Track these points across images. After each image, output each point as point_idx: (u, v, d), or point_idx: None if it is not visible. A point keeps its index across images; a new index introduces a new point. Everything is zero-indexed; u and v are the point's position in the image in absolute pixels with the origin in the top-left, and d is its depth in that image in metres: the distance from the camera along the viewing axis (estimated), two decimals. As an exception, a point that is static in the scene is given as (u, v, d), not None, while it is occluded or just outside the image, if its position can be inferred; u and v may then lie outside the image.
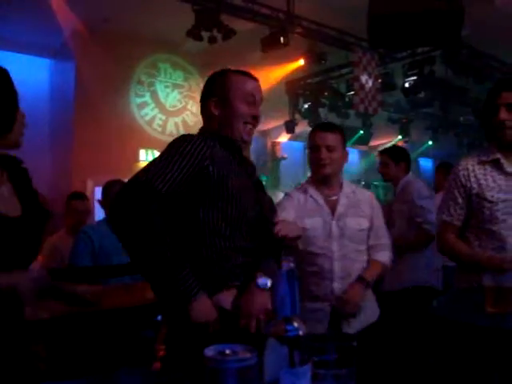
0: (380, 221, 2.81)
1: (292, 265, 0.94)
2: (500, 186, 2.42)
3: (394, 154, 4.31)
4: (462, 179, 2.51)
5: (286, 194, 2.94)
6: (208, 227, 1.89)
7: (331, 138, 2.74)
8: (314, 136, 2.80)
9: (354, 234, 2.70)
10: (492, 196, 2.40)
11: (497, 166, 2.45)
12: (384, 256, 2.73)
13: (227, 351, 0.86)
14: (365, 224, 2.73)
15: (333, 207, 2.74)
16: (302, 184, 2.95)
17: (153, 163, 1.92)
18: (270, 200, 2.20)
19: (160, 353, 3.82)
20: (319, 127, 2.88)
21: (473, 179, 2.48)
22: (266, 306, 1.81)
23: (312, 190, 2.81)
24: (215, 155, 1.91)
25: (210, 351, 0.86)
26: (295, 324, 0.95)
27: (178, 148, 1.89)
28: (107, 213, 3.99)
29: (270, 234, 1.95)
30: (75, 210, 4.60)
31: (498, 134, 2.42)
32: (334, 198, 2.77)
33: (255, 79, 2.12)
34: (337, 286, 2.62)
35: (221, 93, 2.05)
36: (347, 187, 2.83)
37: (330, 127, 2.84)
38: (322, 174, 2.76)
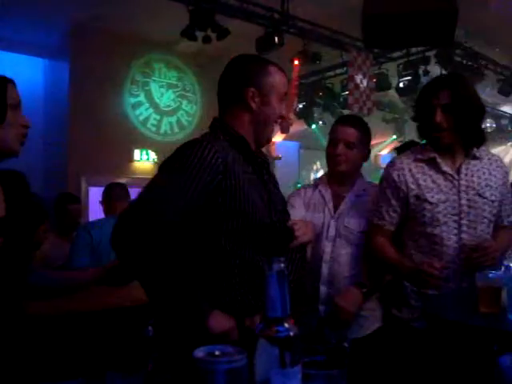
0: None
1: (282, 265, 0.94)
2: (439, 186, 2.31)
3: None
4: (397, 180, 2.36)
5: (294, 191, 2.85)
6: (233, 255, 1.75)
7: (352, 134, 2.60)
8: (334, 129, 2.68)
9: (353, 236, 2.53)
10: (432, 197, 2.28)
11: (433, 165, 2.34)
12: None
13: (217, 352, 0.86)
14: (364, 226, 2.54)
15: (338, 205, 2.61)
16: (316, 179, 2.89)
17: (159, 184, 1.73)
18: (283, 199, 2.08)
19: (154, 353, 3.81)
20: (341, 120, 2.76)
21: (410, 179, 2.34)
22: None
23: (322, 185, 2.71)
24: (228, 163, 1.75)
25: (199, 352, 0.86)
26: (286, 325, 0.95)
27: (188, 164, 1.70)
28: (106, 212, 4.03)
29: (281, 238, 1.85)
30: (70, 213, 4.60)
31: (433, 135, 2.32)
32: (344, 195, 2.63)
33: (285, 74, 1.99)
34: (323, 289, 2.50)
35: (262, 86, 1.89)
36: (359, 185, 2.66)
37: (352, 121, 2.69)
38: (336, 171, 2.64)
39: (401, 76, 9.50)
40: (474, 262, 2.21)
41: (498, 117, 13.87)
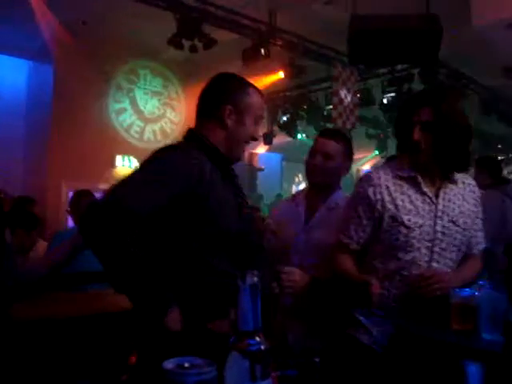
0: None
1: (256, 279, 0.94)
2: (417, 208, 2.12)
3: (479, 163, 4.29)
4: (372, 197, 2.15)
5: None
6: (203, 260, 1.82)
7: (331, 146, 2.59)
8: (315, 141, 2.68)
9: (319, 248, 2.47)
10: (409, 220, 2.09)
11: (414, 184, 2.15)
12: None
13: (186, 364, 0.86)
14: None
15: (311, 218, 2.58)
16: (298, 191, 2.89)
17: (134, 181, 1.80)
18: (250, 211, 2.14)
19: (130, 362, 3.78)
20: (322, 133, 2.77)
21: (387, 198, 2.13)
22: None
23: (299, 198, 2.70)
24: (205, 172, 1.81)
25: (169, 364, 0.85)
26: (257, 338, 0.95)
27: (162, 164, 1.80)
28: (75, 221, 3.94)
29: (252, 254, 1.92)
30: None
31: (411, 154, 2.14)
32: (317, 208, 2.60)
33: (263, 96, 2.06)
34: (288, 300, 2.40)
35: (239, 104, 1.95)
36: (333, 198, 2.61)
37: (333, 134, 2.68)
38: (313, 182, 2.65)
39: (385, 92, 9.60)
40: (417, 292, 2.06)
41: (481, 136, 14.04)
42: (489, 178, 4.86)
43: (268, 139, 11.53)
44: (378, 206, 2.13)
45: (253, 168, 13.32)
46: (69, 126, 8.10)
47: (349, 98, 8.87)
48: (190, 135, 1.99)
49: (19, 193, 8.29)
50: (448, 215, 2.14)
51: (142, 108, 9.49)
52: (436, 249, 2.13)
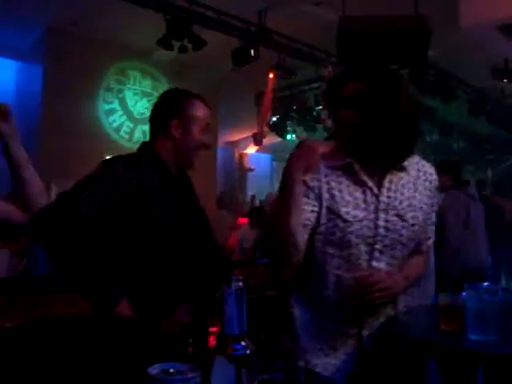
0: None
1: (241, 284, 0.94)
2: (357, 199, 1.85)
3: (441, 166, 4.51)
4: (310, 185, 1.86)
5: None
6: (146, 260, 2.01)
7: None
8: None
9: None
10: (347, 213, 1.82)
11: (350, 172, 1.86)
12: None
13: (171, 370, 0.86)
14: None
15: None
16: None
17: (79, 188, 2.02)
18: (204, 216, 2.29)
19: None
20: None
21: (325, 186, 1.86)
22: None
23: None
24: (142, 181, 2.01)
25: (153, 369, 0.85)
26: (243, 343, 0.95)
27: (103, 173, 2.04)
28: None
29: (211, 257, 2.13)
30: None
31: (339, 133, 1.89)
32: None
33: (209, 107, 2.23)
34: None
35: (183, 117, 2.14)
36: None
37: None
38: None
39: (374, 93, 9.61)
40: (358, 301, 1.81)
41: (470, 137, 14.14)
42: (450, 180, 5.31)
43: (258, 140, 11.53)
44: (315, 196, 1.86)
45: (243, 168, 13.35)
46: (58, 126, 8.05)
47: (338, 99, 8.87)
48: (142, 147, 2.24)
49: (7, 194, 8.26)
50: (394, 208, 1.85)
51: (131, 109, 9.46)
52: (377, 246, 1.86)
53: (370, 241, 1.84)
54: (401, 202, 1.87)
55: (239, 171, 13.30)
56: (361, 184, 1.85)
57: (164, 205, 2.05)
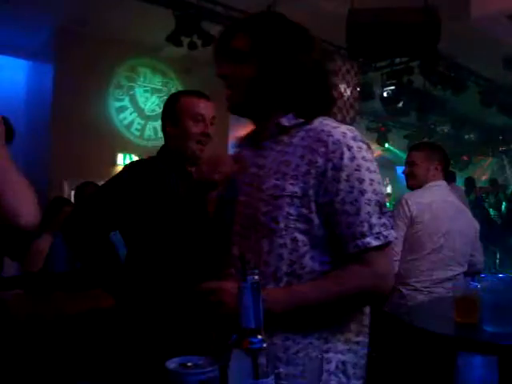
0: None
1: (256, 277, 0.95)
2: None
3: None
4: None
5: None
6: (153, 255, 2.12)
7: (414, 155, 3.33)
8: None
9: None
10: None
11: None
12: None
13: (189, 363, 0.87)
14: None
15: None
16: None
17: (94, 196, 2.27)
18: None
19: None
20: (411, 148, 3.53)
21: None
22: None
23: None
24: (142, 181, 2.14)
25: (171, 363, 0.86)
26: (259, 336, 0.95)
27: (111, 182, 2.21)
28: None
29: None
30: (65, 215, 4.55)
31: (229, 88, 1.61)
32: None
33: (204, 98, 2.29)
34: None
35: (174, 114, 2.27)
36: None
37: (417, 146, 3.48)
38: (407, 186, 3.35)
39: (384, 85, 9.58)
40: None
41: (481, 128, 14.06)
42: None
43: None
44: None
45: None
46: (69, 125, 8.09)
47: (348, 92, 8.84)
48: (159, 150, 2.37)
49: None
50: (254, 178, 1.48)
51: (142, 105, 9.48)
52: (236, 227, 1.51)
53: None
54: (268, 171, 1.46)
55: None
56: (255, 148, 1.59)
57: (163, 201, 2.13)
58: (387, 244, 1.35)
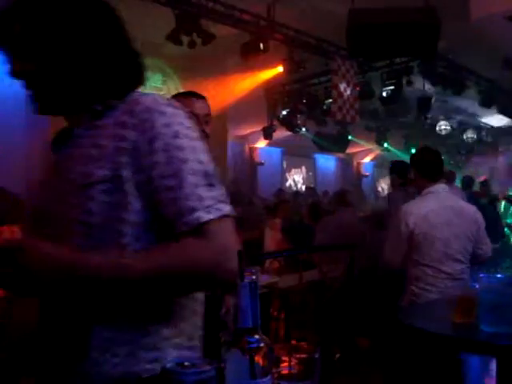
0: None
1: (254, 277, 0.94)
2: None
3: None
4: None
5: None
6: None
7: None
8: None
9: None
10: None
11: None
12: None
13: (186, 363, 0.86)
14: None
15: None
16: None
17: None
18: None
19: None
20: None
21: None
22: None
23: None
24: None
25: (168, 362, 0.86)
26: (256, 336, 0.95)
27: None
28: None
29: None
30: None
31: None
32: None
33: (195, 98, 2.26)
34: None
35: None
36: None
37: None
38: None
39: (384, 85, 9.59)
40: None
41: (480, 128, 14.07)
42: (398, 179, 5.56)
43: (268, 134, 11.53)
44: None
45: (253, 162, 13.34)
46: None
47: (348, 92, 8.85)
48: None
49: (22, 190, 8.30)
50: (66, 170, 1.25)
51: (141, 104, 9.47)
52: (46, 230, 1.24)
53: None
54: (76, 159, 1.24)
55: (249, 165, 13.29)
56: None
57: None
58: (223, 217, 1.15)
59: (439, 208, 3.16)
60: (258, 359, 0.95)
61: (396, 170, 5.51)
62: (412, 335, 2.06)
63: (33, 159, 8.67)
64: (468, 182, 8.54)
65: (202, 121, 2.24)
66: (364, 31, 5.83)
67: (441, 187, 3.26)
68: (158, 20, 7.03)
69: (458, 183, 8.84)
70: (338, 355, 5.07)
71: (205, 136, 2.22)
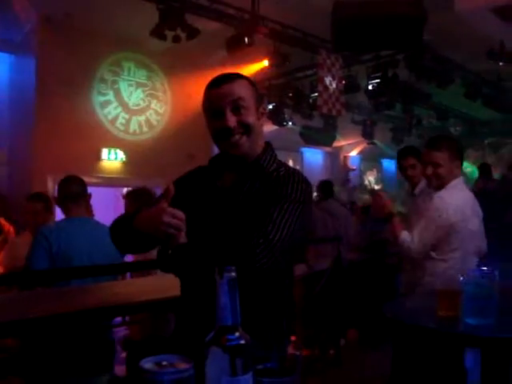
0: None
1: (233, 274, 0.94)
2: None
3: None
4: None
5: None
6: None
7: (436, 157, 3.16)
8: (423, 153, 3.32)
9: None
10: None
11: None
12: None
13: (164, 362, 0.85)
14: None
15: None
16: None
17: None
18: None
19: (122, 355, 3.78)
20: (427, 145, 3.31)
21: None
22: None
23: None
24: (183, 191, 1.81)
25: (146, 362, 0.85)
26: (236, 333, 0.95)
27: None
28: (64, 211, 3.81)
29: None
30: (32, 210, 4.47)
31: None
32: None
33: (219, 84, 1.81)
34: None
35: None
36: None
37: (436, 145, 3.22)
38: (431, 187, 3.28)
39: (370, 78, 9.60)
40: None
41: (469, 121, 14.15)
42: (321, 193, 6.41)
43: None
44: None
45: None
46: (53, 119, 8.03)
47: (334, 85, 8.85)
48: None
49: (4, 188, 8.24)
50: None
51: (126, 100, 9.41)
52: None
53: None
54: None
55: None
56: None
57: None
58: None
59: (470, 199, 3.18)
60: (239, 356, 0.94)
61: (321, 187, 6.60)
62: (397, 328, 2.06)
63: (16, 157, 8.62)
64: (486, 171, 8.21)
65: (228, 112, 1.81)
66: (349, 24, 5.81)
67: (461, 179, 3.27)
68: (142, 15, 6.98)
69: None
70: (332, 351, 5.10)
71: (239, 128, 1.86)
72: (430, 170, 3.18)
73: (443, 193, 3.13)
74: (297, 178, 1.79)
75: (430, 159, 3.20)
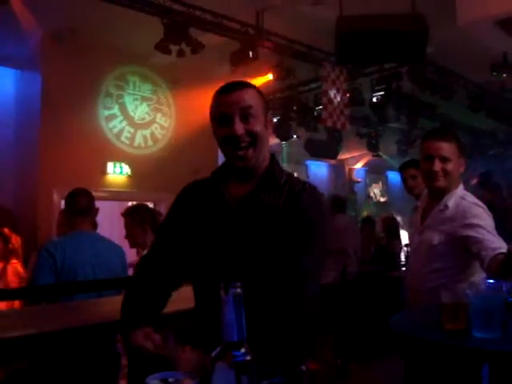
0: None
1: (239, 290, 0.93)
2: None
3: None
4: None
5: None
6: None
7: (445, 148, 2.53)
8: (426, 145, 2.60)
9: (426, 249, 2.53)
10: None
11: None
12: None
13: (170, 379, 0.85)
14: (438, 240, 2.47)
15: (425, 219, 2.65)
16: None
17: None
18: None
19: (126, 370, 3.77)
20: (431, 135, 2.64)
21: None
22: None
23: (421, 201, 2.79)
24: (187, 204, 1.90)
25: (152, 379, 0.85)
26: (242, 349, 0.94)
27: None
28: (71, 225, 3.78)
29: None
30: None
31: None
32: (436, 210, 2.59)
33: (229, 91, 1.79)
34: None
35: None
36: (445, 200, 2.56)
37: (443, 135, 2.60)
38: (436, 187, 2.59)
39: (374, 91, 9.62)
40: None
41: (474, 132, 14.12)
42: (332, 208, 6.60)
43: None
44: None
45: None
46: (58, 134, 8.06)
47: (338, 98, 8.87)
48: None
49: (10, 202, 8.26)
50: None
51: (131, 114, 9.44)
52: None
53: None
54: None
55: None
56: None
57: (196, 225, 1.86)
58: None
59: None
60: (244, 372, 0.94)
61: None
62: (403, 342, 2.05)
63: (22, 172, 8.65)
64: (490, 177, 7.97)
65: (236, 119, 1.77)
66: (352, 38, 5.85)
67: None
68: (147, 29, 7.03)
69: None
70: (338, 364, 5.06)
71: (246, 137, 1.84)
72: (438, 166, 2.53)
73: (468, 197, 2.60)
74: (319, 208, 1.82)
75: (437, 152, 2.54)
